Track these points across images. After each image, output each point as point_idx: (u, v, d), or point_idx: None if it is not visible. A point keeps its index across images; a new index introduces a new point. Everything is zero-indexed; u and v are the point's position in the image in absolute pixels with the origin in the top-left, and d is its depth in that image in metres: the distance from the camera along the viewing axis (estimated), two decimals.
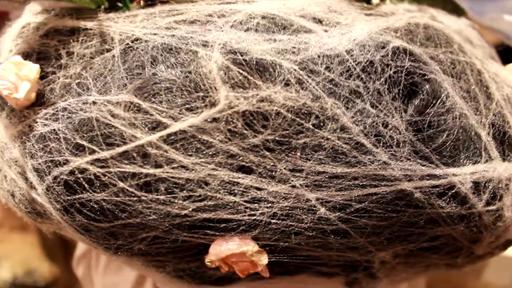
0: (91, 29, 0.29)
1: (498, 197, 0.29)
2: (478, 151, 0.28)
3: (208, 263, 0.27)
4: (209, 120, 0.25)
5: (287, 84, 0.25)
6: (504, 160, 0.30)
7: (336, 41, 0.27)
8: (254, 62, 0.25)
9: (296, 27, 0.27)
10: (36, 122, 0.28)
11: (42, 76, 0.29)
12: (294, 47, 0.26)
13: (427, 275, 0.39)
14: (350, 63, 0.26)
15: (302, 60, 0.26)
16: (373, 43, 0.27)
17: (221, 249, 0.26)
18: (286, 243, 0.27)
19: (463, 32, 0.35)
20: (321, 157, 0.25)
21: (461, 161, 0.28)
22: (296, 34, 0.27)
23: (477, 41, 0.36)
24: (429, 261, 0.32)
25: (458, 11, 0.39)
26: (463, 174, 0.27)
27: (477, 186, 0.28)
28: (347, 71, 0.26)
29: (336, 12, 0.29)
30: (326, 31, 0.27)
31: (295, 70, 0.25)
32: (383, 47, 0.27)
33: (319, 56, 0.26)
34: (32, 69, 0.28)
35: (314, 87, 0.25)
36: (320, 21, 0.28)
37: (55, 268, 0.67)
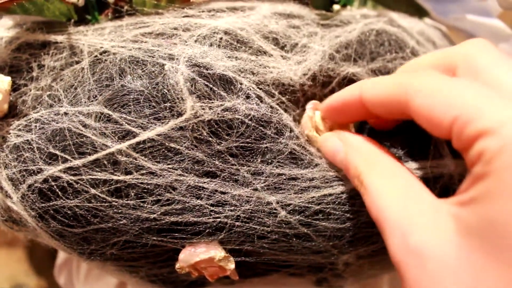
0: (61, 42, 0.30)
1: (451, 192, 0.30)
2: (426, 149, 0.30)
3: (178, 269, 0.28)
4: (176, 128, 0.26)
5: (248, 97, 0.27)
6: (455, 157, 0.32)
7: (292, 72, 0.29)
8: (217, 76, 0.27)
9: (256, 47, 0.29)
10: (9, 133, 0.29)
11: (15, 89, 0.30)
12: (253, 68, 0.28)
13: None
14: (300, 94, 0.29)
15: (259, 81, 0.28)
16: (322, 78, 0.30)
17: (190, 255, 0.27)
18: (252, 247, 0.28)
19: (425, 33, 0.37)
20: (280, 160, 0.27)
21: (408, 156, 0.30)
22: (256, 55, 0.29)
23: (439, 41, 0.38)
24: None
25: (420, 12, 0.40)
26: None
27: (427, 182, 0.29)
28: (297, 99, 0.29)
29: (294, 28, 0.30)
30: (283, 57, 0.29)
31: (253, 88, 0.27)
32: (330, 82, 0.30)
33: (274, 82, 0.28)
34: (4, 81, 0.29)
35: (271, 103, 0.27)
36: (278, 43, 0.30)
37: (43, 282, 0.67)
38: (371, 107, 0.26)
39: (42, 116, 0.28)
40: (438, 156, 0.30)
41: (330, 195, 0.27)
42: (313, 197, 0.27)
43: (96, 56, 0.29)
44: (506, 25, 0.42)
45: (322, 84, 0.30)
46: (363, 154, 0.25)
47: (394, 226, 0.21)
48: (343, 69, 0.30)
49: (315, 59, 0.30)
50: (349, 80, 0.31)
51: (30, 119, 0.28)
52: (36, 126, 0.28)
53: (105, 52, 0.29)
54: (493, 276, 0.18)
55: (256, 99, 0.27)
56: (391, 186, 0.23)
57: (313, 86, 0.29)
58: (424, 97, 0.22)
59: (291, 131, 0.28)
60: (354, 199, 0.28)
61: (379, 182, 0.23)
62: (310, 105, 0.30)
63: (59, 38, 0.30)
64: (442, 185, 0.30)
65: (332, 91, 0.30)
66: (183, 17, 0.30)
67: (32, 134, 0.28)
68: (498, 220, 0.18)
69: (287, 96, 0.28)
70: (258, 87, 0.27)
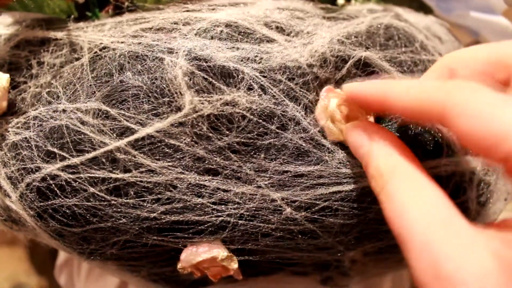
0: (61, 39, 0.30)
1: (462, 190, 0.29)
2: (439, 147, 0.29)
3: (180, 270, 0.27)
4: (175, 124, 0.26)
5: (250, 89, 0.26)
6: (467, 154, 0.31)
7: (298, 53, 0.28)
8: (218, 69, 0.26)
9: (259, 36, 0.28)
10: (8, 131, 0.28)
11: (14, 86, 0.30)
12: (257, 56, 0.27)
13: (403, 269, 0.40)
14: (310, 77, 0.27)
15: (263, 69, 0.26)
16: (333, 59, 0.28)
17: (192, 255, 0.27)
18: (256, 246, 0.27)
19: (431, 28, 0.36)
20: (285, 157, 0.26)
21: (420, 156, 0.28)
22: (258, 43, 0.27)
23: (445, 37, 0.37)
24: (399, 257, 0.32)
25: (424, 10, 0.39)
26: None
27: (439, 180, 0.28)
28: (307, 84, 0.27)
29: (298, 19, 0.29)
30: (288, 41, 0.28)
31: (257, 76, 0.26)
32: (344, 65, 0.29)
33: (280, 67, 0.27)
34: (2, 78, 0.29)
35: (275, 92, 0.26)
36: (282, 30, 0.29)
37: (43, 282, 0.67)
38: (400, 113, 0.23)
39: (40, 114, 0.28)
40: (450, 154, 0.29)
41: (340, 192, 0.26)
42: (321, 194, 0.26)
43: (96, 52, 0.29)
44: (510, 22, 0.41)
45: (336, 67, 0.28)
46: (389, 156, 0.23)
47: (422, 248, 0.19)
48: (355, 53, 0.29)
49: (322, 42, 0.28)
50: (364, 64, 0.29)
51: (28, 116, 0.28)
52: (34, 123, 0.28)
53: (104, 48, 0.29)
54: None
55: (259, 90, 0.26)
56: (419, 202, 0.20)
57: (325, 69, 0.28)
58: (469, 119, 0.19)
59: (297, 124, 0.26)
60: (364, 196, 0.27)
61: (405, 194, 0.21)
62: (324, 92, 0.28)
63: (59, 34, 0.30)
64: (454, 183, 0.29)
65: (349, 73, 0.29)
66: (184, 11, 0.29)
67: (30, 131, 0.27)
68: None
69: (295, 81, 0.27)
70: (262, 76, 0.26)
